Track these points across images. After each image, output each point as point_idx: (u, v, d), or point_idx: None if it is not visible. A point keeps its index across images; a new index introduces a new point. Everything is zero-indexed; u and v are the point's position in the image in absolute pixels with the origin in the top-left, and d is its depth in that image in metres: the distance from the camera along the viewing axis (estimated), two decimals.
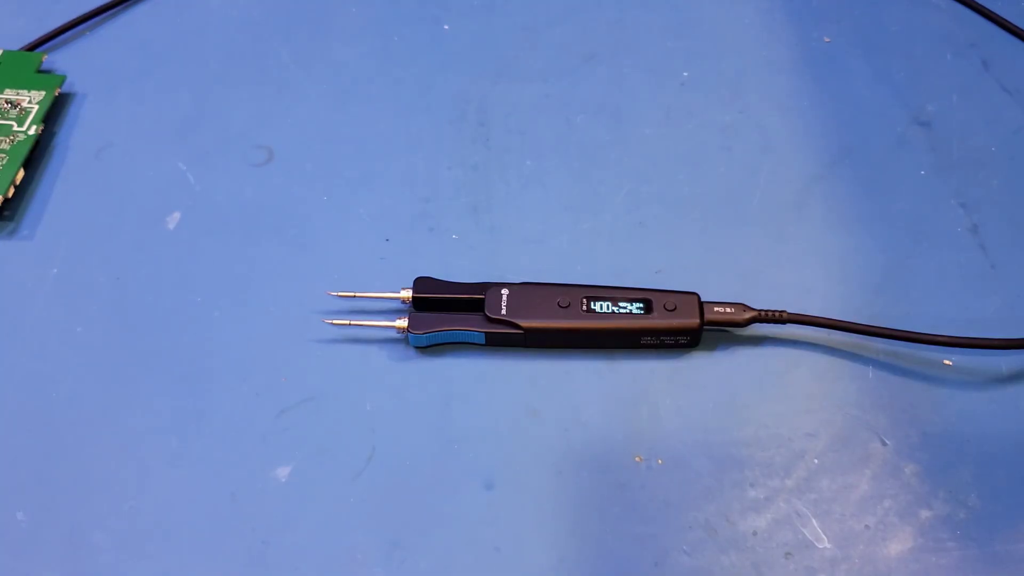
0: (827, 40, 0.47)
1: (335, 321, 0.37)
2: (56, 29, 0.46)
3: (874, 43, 0.47)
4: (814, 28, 0.48)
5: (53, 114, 0.44)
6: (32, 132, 0.42)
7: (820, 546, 0.33)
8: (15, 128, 0.42)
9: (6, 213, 0.41)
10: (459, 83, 0.45)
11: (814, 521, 0.33)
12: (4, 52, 0.45)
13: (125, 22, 0.48)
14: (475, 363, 0.37)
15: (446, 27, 0.48)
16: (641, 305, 0.36)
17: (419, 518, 0.33)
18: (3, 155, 0.41)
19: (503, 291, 0.37)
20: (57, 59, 0.46)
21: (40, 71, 0.44)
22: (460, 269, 0.39)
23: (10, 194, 0.40)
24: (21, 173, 0.41)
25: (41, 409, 0.35)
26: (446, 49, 0.47)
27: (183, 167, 0.42)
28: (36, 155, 0.42)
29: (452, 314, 0.37)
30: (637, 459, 0.34)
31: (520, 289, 0.37)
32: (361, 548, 0.32)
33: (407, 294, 0.37)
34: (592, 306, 0.36)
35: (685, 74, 0.46)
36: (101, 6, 0.47)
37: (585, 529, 0.33)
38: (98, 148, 0.43)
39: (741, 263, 0.39)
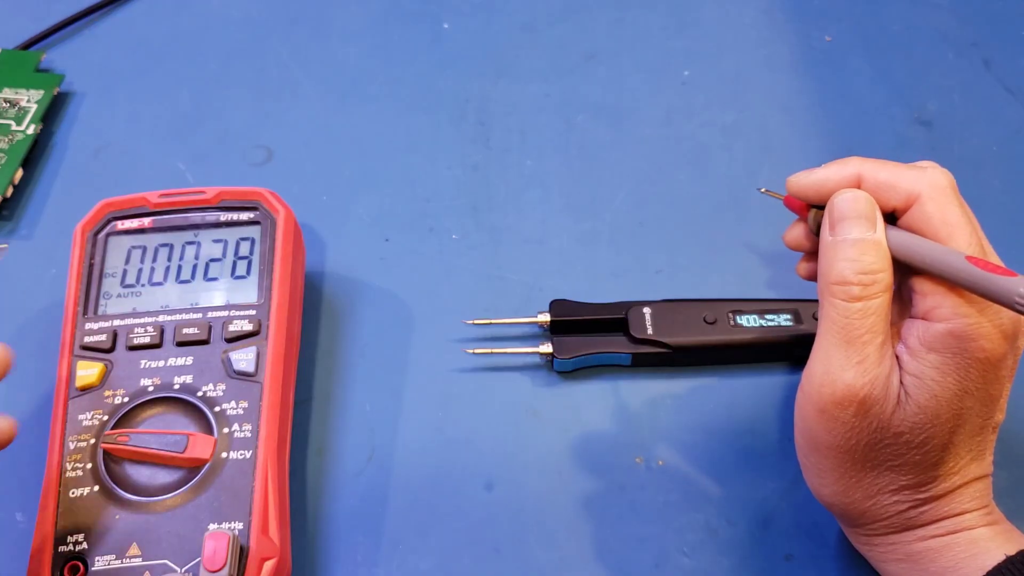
0: (828, 39, 0.47)
1: (477, 350, 0.36)
2: (54, 26, 0.46)
3: (875, 42, 0.47)
4: (815, 27, 0.47)
5: (52, 113, 0.44)
6: (31, 131, 0.42)
7: (820, 546, 0.33)
8: (14, 127, 0.42)
9: (5, 213, 0.40)
10: (459, 83, 0.45)
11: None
12: (2, 51, 0.45)
13: (124, 20, 0.48)
14: (475, 363, 0.37)
15: (446, 26, 0.48)
16: (789, 316, 0.36)
17: (419, 518, 0.33)
18: (2, 154, 0.41)
19: (645, 309, 0.36)
20: (55, 57, 0.46)
21: (38, 70, 0.44)
22: (460, 269, 0.39)
23: (9, 193, 0.40)
24: (20, 172, 0.41)
25: (41, 410, 0.35)
26: (446, 49, 0.47)
27: (182, 167, 0.42)
28: (35, 154, 0.42)
29: (595, 337, 0.36)
30: (637, 460, 0.34)
31: (662, 306, 0.36)
32: (361, 548, 0.32)
33: (545, 318, 0.36)
34: (739, 320, 0.36)
35: (686, 73, 0.46)
36: (99, 3, 0.47)
37: (585, 529, 0.33)
38: (97, 147, 0.43)
39: (741, 263, 0.39)
